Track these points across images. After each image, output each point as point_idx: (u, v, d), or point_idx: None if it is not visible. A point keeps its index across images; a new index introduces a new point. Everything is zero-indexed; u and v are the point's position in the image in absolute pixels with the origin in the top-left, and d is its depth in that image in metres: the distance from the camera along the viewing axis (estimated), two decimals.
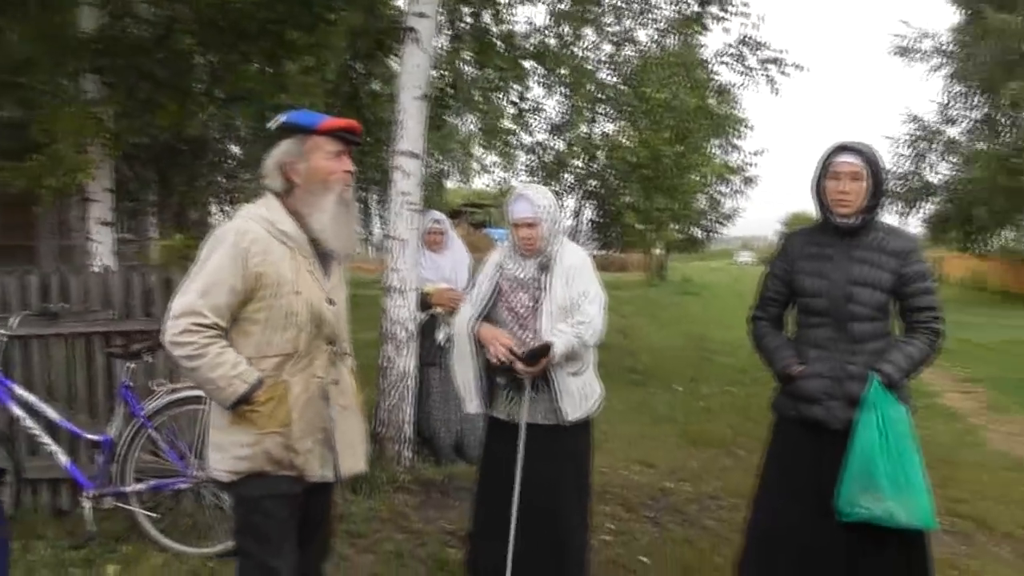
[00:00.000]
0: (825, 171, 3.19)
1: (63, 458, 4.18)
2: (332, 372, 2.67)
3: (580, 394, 3.43)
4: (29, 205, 12.36)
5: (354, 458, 2.76)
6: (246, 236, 2.47)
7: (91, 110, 6.34)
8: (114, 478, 4.13)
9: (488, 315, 3.49)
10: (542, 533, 3.41)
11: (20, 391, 4.16)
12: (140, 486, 4.15)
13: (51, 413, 4.20)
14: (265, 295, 2.49)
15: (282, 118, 2.62)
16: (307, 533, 2.70)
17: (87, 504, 4.11)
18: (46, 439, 4.17)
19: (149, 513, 4.17)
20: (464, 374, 3.53)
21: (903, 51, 24.90)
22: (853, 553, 3.18)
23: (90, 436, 4.22)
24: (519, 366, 3.24)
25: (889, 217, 25.16)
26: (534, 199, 3.34)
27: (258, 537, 2.56)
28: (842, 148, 3.17)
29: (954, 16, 25.56)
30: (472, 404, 3.57)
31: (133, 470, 4.14)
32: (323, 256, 2.66)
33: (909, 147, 25.55)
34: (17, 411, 4.13)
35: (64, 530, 4.26)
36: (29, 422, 4.15)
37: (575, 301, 3.34)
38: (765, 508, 3.43)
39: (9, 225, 13.12)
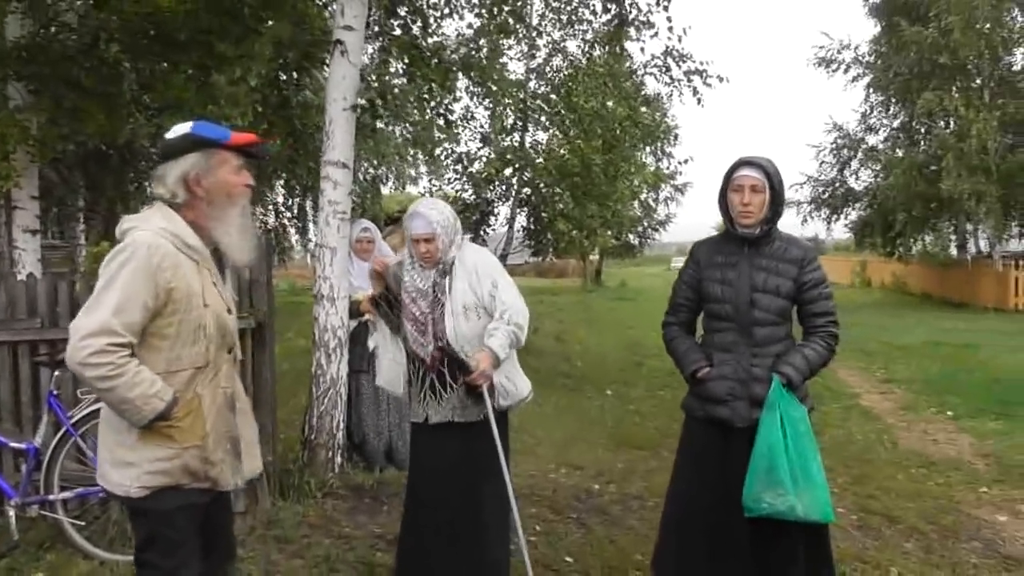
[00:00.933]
0: (728, 184, 3.39)
1: None
2: (234, 380, 2.72)
3: (503, 387, 3.58)
4: None
5: (254, 460, 2.80)
6: (158, 251, 2.42)
7: (16, 118, 6.26)
8: (39, 487, 4.11)
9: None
10: (462, 529, 3.54)
11: None
12: (66, 494, 4.15)
13: None
14: (176, 309, 2.47)
15: (188, 129, 2.57)
16: (210, 540, 2.70)
17: (11, 513, 4.08)
18: None
19: (75, 521, 4.16)
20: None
21: (824, 62, 25.68)
22: (760, 545, 3.37)
23: (14, 445, 4.21)
24: (471, 379, 3.37)
25: (816, 223, 25.95)
26: (429, 216, 3.47)
27: (166, 550, 2.55)
28: (744, 163, 3.37)
29: (873, 28, 26.53)
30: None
31: (59, 478, 4.12)
32: (219, 265, 2.68)
33: (832, 155, 26.36)
34: None
35: None
36: None
37: (488, 294, 3.49)
38: (677, 503, 3.62)
39: None
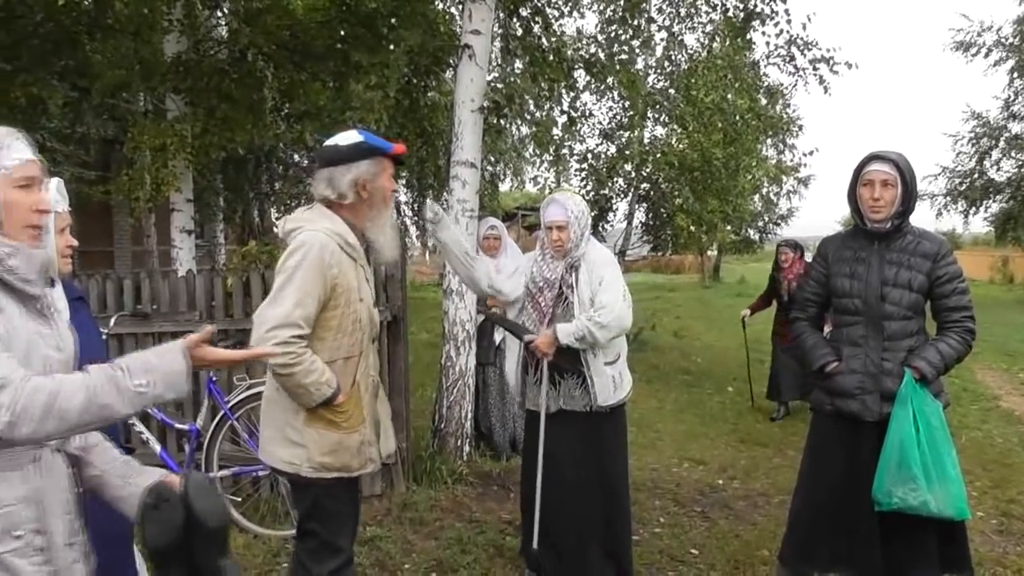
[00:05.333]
0: (859, 179, 3.37)
1: (156, 445, 4.55)
2: (377, 367, 2.99)
3: (613, 382, 3.65)
4: (108, 213, 13.08)
5: (389, 441, 3.06)
6: (327, 250, 2.64)
7: (175, 128, 6.77)
8: (200, 465, 4.49)
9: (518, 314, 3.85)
10: (586, 514, 3.68)
11: None
12: (224, 472, 4.51)
13: None
14: (339, 303, 2.69)
15: (361, 138, 2.79)
16: None
17: None
18: (140, 427, 4.55)
19: (232, 497, 4.52)
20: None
21: (962, 46, 24.25)
22: (890, 541, 3.34)
23: (179, 426, 4.60)
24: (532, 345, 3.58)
25: (952, 216, 24.59)
26: (566, 204, 3.62)
27: (326, 519, 2.83)
28: (874, 157, 3.34)
29: (1017, 8, 24.86)
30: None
31: (217, 457, 4.49)
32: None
33: (971, 144, 24.92)
34: None
35: None
36: None
37: (595, 291, 3.59)
38: (806, 497, 3.62)
39: (90, 232, 13.96)
